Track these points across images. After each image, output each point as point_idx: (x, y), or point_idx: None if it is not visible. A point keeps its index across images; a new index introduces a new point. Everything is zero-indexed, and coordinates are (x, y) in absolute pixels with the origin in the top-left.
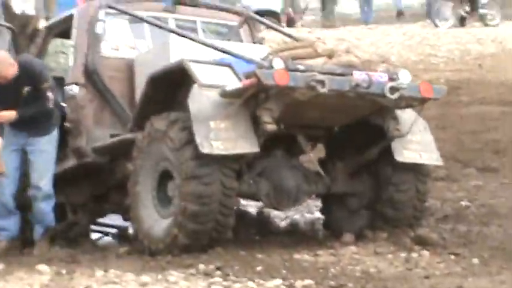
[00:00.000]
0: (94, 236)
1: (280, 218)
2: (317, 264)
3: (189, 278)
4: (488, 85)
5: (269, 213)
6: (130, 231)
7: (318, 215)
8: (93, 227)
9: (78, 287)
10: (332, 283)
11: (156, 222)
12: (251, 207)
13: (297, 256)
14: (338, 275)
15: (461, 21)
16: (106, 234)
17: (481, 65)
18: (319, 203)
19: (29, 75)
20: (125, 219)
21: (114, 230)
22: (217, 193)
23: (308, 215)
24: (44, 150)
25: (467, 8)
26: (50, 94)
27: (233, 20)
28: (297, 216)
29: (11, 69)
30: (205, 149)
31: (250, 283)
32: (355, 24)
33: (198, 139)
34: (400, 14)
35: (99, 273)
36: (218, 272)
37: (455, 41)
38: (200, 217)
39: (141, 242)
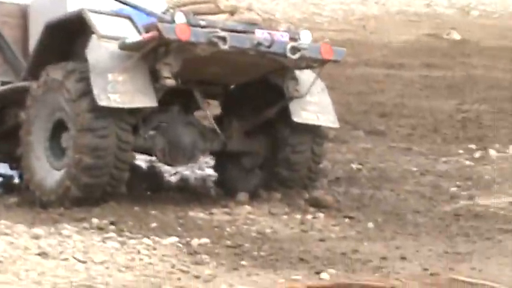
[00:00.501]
0: None
1: (170, 173)
2: (212, 222)
3: (83, 232)
4: (372, 47)
5: (159, 169)
6: (17, 180)
7: (208, 172)
8: None
9: None
10: (228, 242)
11: (49, 173)
12: (141, 161)
13: (191, 214)
14: (234, 234)
15: None
16: None
17: (365, 26)
18: (209, 160)
19: None
20: (12, 168)
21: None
22: (113, 146)
23: (198, 172)
24: None
25: None
26: None
27: None
28: (187, 172)
29: None
30: (102, 102)
31: (145, 240)
32: None
33: (96, 91)
34: None
35: None
36: (112, 227)
37: (339, 1)
38: (94, 170)
39: (32, 192)
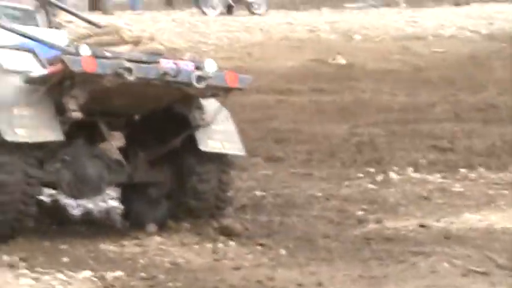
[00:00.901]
0: None
1: (73, 206)
2: (124, 255)
3: None
4: (259, 73)
5: (62, 202)
6: None
7: (112, 203)
8: None
9: None
10: (143, 274)
11: None
12: (43, 195)
13: (102, 246)
14: (147, 266)
15: (229, 10)
16: None
17: (250, 53)
18: (112, 192)
19: None
20: None
21: None
22: (20, 182)
23: (102, 204)
24: None
25: None
26: None
27: (29, 4)
28: (90, 205)
29: None
30: (8, 137)
31: (59, 275)
32: (122, 10)
33: (1, 126)
34: (169, 2)
35: None
36: (23, 264)
37: (224, 29)
38: (1, 206)
39: None
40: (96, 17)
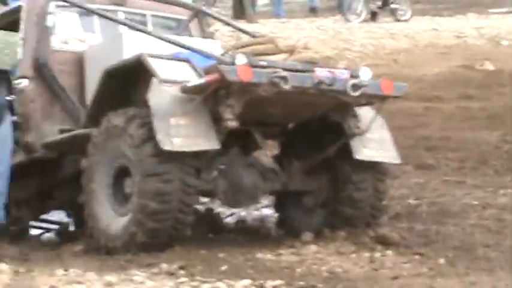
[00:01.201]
0: (35, 232)
1: (226, 214)
2: (281, 263)
3: (154, 278)
4: (406, 80)
5: (217, 211)
6: (72, 228)
7: (265, 211)
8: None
9: (42, 287)
10: (301, 283)
11: (113, 219)
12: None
13: (259, 255)
14: (305, 275)
15: (373, 16)
16: (48, 230)
17: (396, 60)
18: (265, 200)
19: None
20: (69, 215)
21: (55, 227)
22: (177, 191)
23: (255, 212)
24: None
25: (379, 3)
26: None
27: (182, 14)
28: (243, 214)
29: None
30: (166, 146)
31: (219, 283)
32: (265, 18)
33: (159, 136)
34: (313, 10)
35: (60, 272)
36: (182, 272)
37: (369, 36)
38: (160, 215)
39: (97, 240)
40: (241, 25)
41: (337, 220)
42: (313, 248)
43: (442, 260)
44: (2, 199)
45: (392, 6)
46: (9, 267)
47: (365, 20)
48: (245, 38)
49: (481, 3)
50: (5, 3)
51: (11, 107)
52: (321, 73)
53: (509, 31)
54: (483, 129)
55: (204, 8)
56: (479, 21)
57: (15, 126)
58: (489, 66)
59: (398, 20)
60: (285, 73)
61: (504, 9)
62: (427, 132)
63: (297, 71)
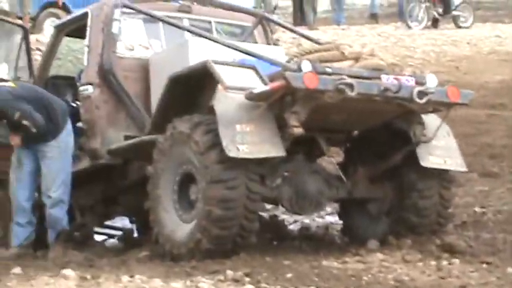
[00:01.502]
0: (98, 238)
1: (289, 221)
2: (347, 271)
3: (220, 285)
4: (469, 87)
5: (281, 218)
6: (135, 234)
7: (329, 219)
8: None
9: None
10: None
11: (178, 226)
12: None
13: (324, 263)
14: (371, 283)
15: (434, 23)
16: (112, 236)
17: (458, 67)
18: (328, 207)
19: None
20: (132, 221)
21: (119, 233)
22: (242, 197)
23: (319, 220)
24: (51, 157)
25: (440, 10)
26: (26, 122)
27: (247, 21)
28: (307, 221)
29: None
30: (231, 153)
31: None
32: (325, 25)
33: (224, 142)
34: (373, 17)
35: (125, 278)
36: (247, 279)
37: (431, 43)
38: (224, 222)
39: (162, 246)
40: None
41: (403, 228)
42: (379, 255)
43: (510, 269)
44: (65, 206)
45: (454, 13)
46: (76, 273)
47: (426, 27)
48: (307, 45)
49: None
50: (68, 11)
51: (76, 114)
52: (387, 80)
53: None
54: None
55: (267, 15)
56: None
57: (80, 132)
58: None
59: (460, 27)
60: (350, 80)
61: None
62: (490, 139)
63: (363, 78)
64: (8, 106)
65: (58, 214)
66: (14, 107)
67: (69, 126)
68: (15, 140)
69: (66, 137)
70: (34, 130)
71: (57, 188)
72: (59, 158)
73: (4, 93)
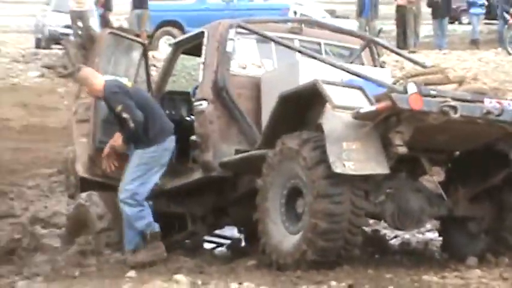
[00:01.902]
0: (208, 246)
1: (389, 236)
2: (446, 286)
3: None
4: None
5: (383, 233)
6: (243, 243)
7: (428, 235)
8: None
9: None
10: None
11: (285, 237)
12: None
13: (425, 277)
14: None
15: None
16: (220, 245)
17: None
18: (428, 224)
19: (105, 101)
20: (240, 231)
21: (227, 241)
22: (347, 212)
23: (418, 235)
24: (131, 161)
25: None
26: (125, 115)
27: (355, 43)
28: (407, 236)
29: (94, 89)
30: (338, 169)
31: None
32: (427, 49)
33: (331, 159)
34: (474, 42)
35: (234, 285)
36: None
37: None
38: (330, 234)
39: (268, 255)
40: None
41: (501, 246)
42: (477, 272)
43: None
44: (133, 208)
45: None
46: (187, 279)
47: None
48: (410, 68)
49: None
50: (183, 30)
51: (190, 127)
52: (489, 103)
53: None
54: None
55: (375, 38)
56: None
57: (194, 145)
58: None
59: None
60: (454, 102)
61: None
62: None
63: (466, 101)
64: (113, 97)
65: (128, 213)
66: (118, 100)
67: (166, 144)
68: (118, 141)
69: (154, 153)
70: (132, 125)
71: (123, 190)
72: (135, 166)
73: (113, 86)
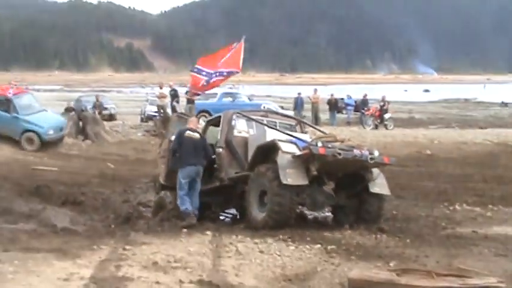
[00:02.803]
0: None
1: (308, 214)
2: (334, 238)
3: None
4: (392, 156)
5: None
6: (238, 217)
7: (327, 214)
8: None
9: None
10: None
11: (258, 214)
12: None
13: (325, 233)
14: None
15: (375, 127)
16: (227, 217)
17: (386, 147)
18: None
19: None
20: (237, 210)
21: (230, 216)
22: (288, 202)
23: (322, 214)
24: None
25: (379, 120)
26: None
27: (293, 122)
28: (316, 214)
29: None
30: (284, 181)
31: None
32: (327, 125)
33: (281, 177)
34: (349, 123)
35: (233, 236)
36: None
37: (374, 135)
38: (279, 213)
39: (250, 223)
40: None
41: (361, 220)
42: (349, 232)
43: None
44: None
45: (385, 122)
46: (211, 232)
47: (372, 128)
48: (318, 134)
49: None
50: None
51: (215, 160)
52: (356, 151)
53: (438, 136)
54: (428, 180)
55: (302, 120)
56: (427, 131)
57: (215, 169)
58: (428, 151)
59: (387, 129)
60: (339, 150)
61: (436, 126)
62: (400, 181)
63: (345, 150)
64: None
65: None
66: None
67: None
68: None
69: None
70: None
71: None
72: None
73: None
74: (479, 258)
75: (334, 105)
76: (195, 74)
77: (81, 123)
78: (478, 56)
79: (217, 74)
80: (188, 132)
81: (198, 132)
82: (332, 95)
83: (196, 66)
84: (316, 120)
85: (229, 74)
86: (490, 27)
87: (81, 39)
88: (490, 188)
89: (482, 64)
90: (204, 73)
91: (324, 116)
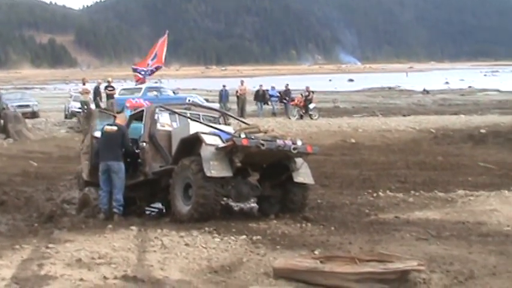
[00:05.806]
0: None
1: (234, 205)
2: (259, 228)
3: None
4: (316, 145)
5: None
6: (164, 210)
7: (252, 205)
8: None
9: None
10: None
11: (183, 207)
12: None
13: (250, 224)
14: None
15: (300, 117)
16: (153, 211)
17: (312, 137)
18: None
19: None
20: (163, 204)
21: (156, 210)
22: (212, 195)
23: (247, 205)
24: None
25: (303, 111)
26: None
27: (216, 114)
28: (242, 205)
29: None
30: (208, 174)
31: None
32: (252, 117)
33: (205, 169)
34: (274, 114)
35: (159, 230)
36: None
37: (299, 126)
38: (204, 206)
39: (176, 216)
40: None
41: (285, 210)
42: (274, 221)
43: None
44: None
45: (310, 112)
46: (137, 227)
47: (297, 119)
48: (242, 125)
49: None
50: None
51: (138, 155)
52: (279, 142)
53: (362, 124)
54: (350, 168)
55: (226, 112)
56: (350, 120)
57: (139, 163)
58: (352, 140)
59: (312, 119)
60: (262, 141)
61: (360, 115)
62: (325, 169)
63: (268, 141)
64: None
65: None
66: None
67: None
68: None
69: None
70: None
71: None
72: None
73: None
74: (401, 243)
75: (262, 97)
76: (137, 74)
77: (1, 121)
78: (400, 45)
79: (149, 72)
80: (106, 127)
81: (117, 126)
82: (261, 85)
83: (134, 67)
84: (242, 112)
85: (156, 69)
86: (412, 18)
87: (1, 36)
88: (413, 174)
89: (404, 53)
90: (142, 72)
91: (251, 107)
